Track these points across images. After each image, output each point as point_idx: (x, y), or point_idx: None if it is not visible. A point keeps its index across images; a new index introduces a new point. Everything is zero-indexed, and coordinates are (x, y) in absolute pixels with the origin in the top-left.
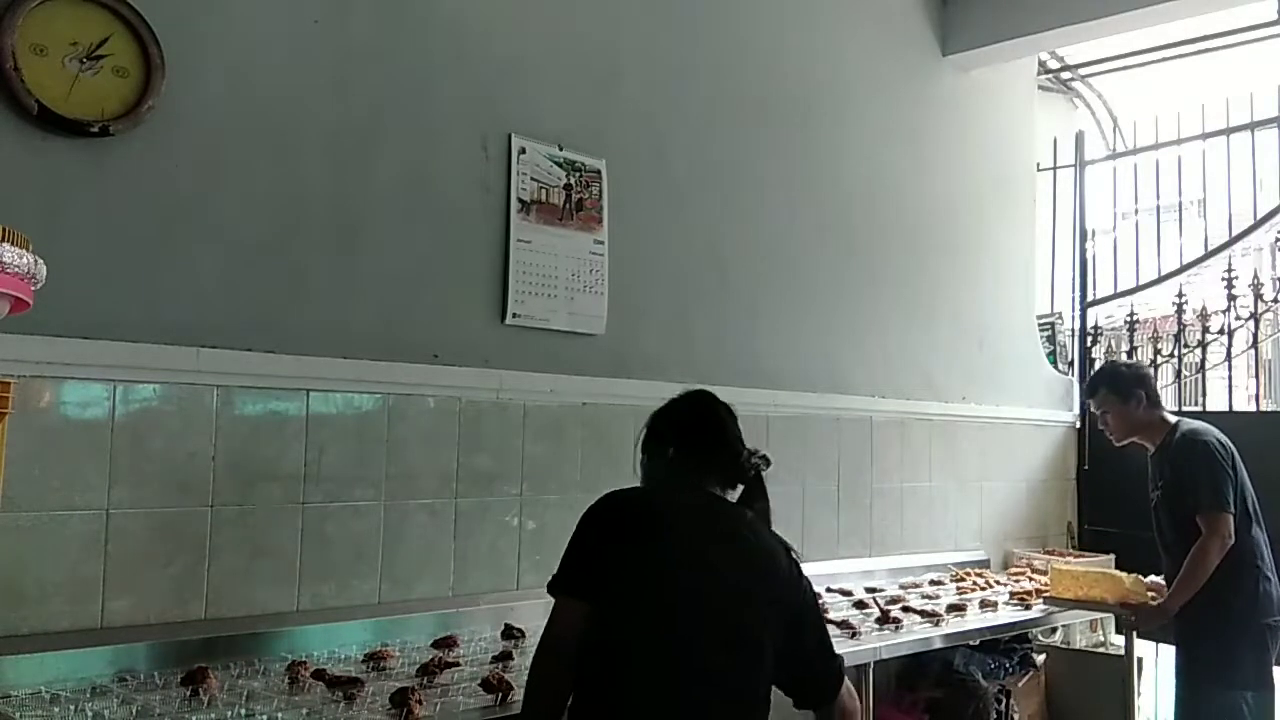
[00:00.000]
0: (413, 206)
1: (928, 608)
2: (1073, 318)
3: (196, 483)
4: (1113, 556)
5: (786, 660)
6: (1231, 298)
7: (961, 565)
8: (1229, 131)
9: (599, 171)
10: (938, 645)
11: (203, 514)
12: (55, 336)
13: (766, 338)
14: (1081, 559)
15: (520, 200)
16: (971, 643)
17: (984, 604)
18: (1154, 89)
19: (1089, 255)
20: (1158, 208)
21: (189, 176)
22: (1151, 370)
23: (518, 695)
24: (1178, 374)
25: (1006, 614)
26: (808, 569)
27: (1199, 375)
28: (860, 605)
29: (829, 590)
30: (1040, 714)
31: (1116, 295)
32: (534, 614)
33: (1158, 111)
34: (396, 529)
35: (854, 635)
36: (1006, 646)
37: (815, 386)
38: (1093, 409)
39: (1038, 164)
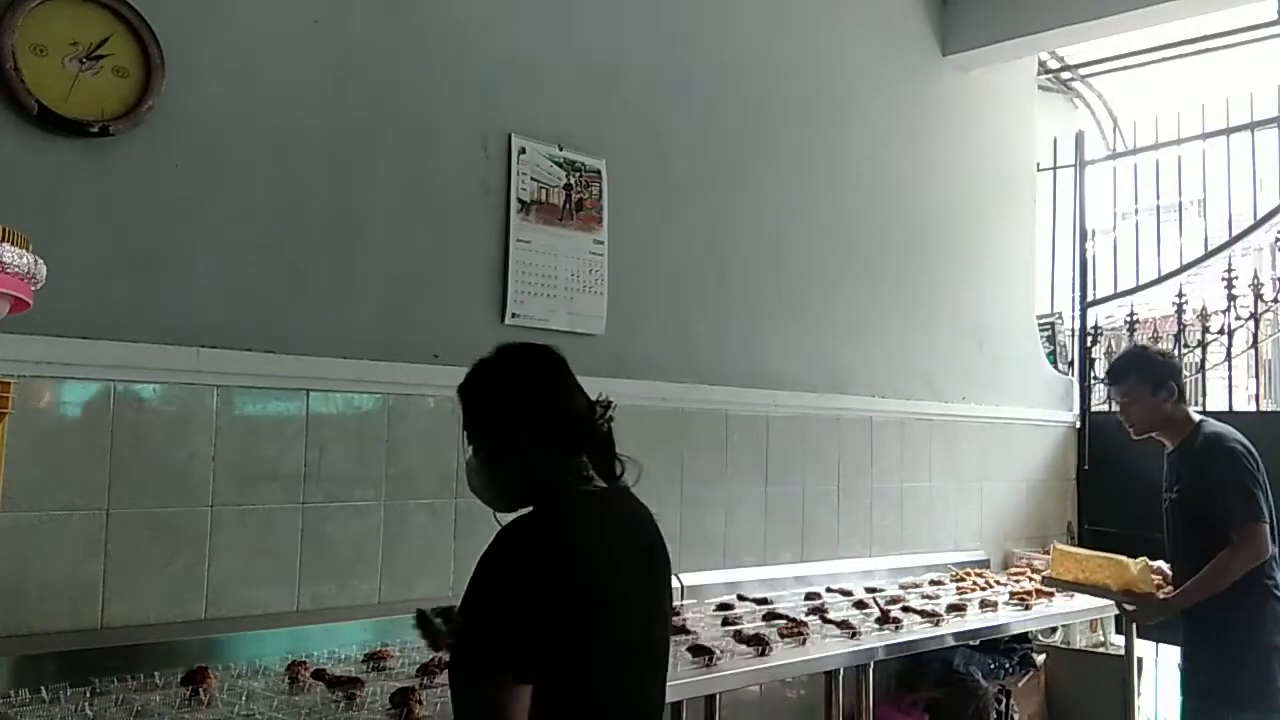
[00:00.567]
0: (413, 206)
1: (928, 608)
2: (1073, 318)
3: (196, 483)
4: None
5: None
6: (1231, 298)
7: (961, 565)
8: (1229, 131)
9: (599, 171)
10: (937, 645)
11: (203, 514)
12: (55, 336)
13: (766, 338)
14: None
15: (520, 200)
16: (971, 643)
17: (984, 604)
18: (1154, 89)
19: (1089, 255)
20: (1158, 208)
21: (189, 176)
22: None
23: None
24: None
25: (1006, 614)
26: (808, 568)
27: (1199, 375)
28: (860, 605)
29: (829, 590)
30: (1040, 714)
31: (1116, 295)
32: None
33: (1158, 111)
34: (396, 529)
35: (854, 635)
36: (1006, 646)
37: (815, 387)
38: (1115, 397)
39: (1038, 164)
